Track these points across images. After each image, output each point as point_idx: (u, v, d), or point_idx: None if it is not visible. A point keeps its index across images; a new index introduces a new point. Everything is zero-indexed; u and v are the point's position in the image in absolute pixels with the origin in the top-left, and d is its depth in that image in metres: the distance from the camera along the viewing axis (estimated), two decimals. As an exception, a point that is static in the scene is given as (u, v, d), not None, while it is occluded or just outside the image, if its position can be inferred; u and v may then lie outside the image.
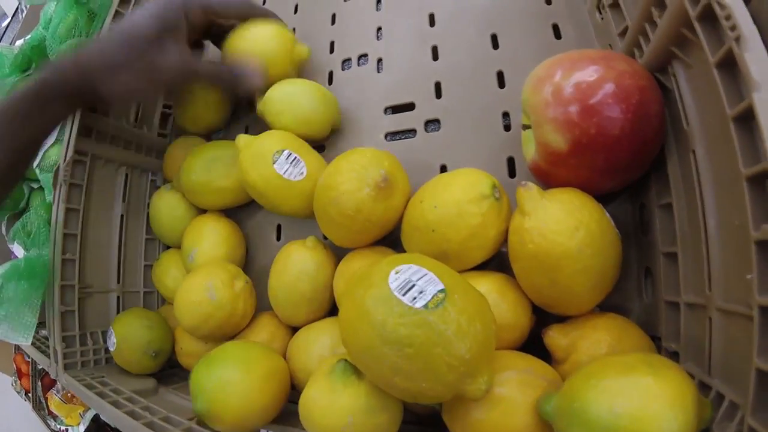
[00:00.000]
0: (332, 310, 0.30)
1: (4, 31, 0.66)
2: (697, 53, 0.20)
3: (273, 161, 0.28)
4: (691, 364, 0.21)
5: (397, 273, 0.20)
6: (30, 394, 0.61)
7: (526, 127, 0.25)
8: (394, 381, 0.20)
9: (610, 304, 0.26)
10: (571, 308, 0.24)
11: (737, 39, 0.17)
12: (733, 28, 0.17)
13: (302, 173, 0.28)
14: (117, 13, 0.38)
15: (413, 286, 0.20)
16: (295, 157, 0.28)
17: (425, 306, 0.19)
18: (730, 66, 0.18)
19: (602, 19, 0.30)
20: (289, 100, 0.31)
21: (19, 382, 0.64)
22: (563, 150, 0.22)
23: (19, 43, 0.42)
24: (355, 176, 0.25)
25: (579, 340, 0.23)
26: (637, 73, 0.22)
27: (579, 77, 0.22)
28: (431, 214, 0.24)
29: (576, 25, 0.31)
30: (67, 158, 0.34)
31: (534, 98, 0.23)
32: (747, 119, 0.17)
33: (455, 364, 0.19)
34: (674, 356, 0.22)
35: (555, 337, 0.24)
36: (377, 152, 0.26)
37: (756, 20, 0.17)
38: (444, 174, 0.26)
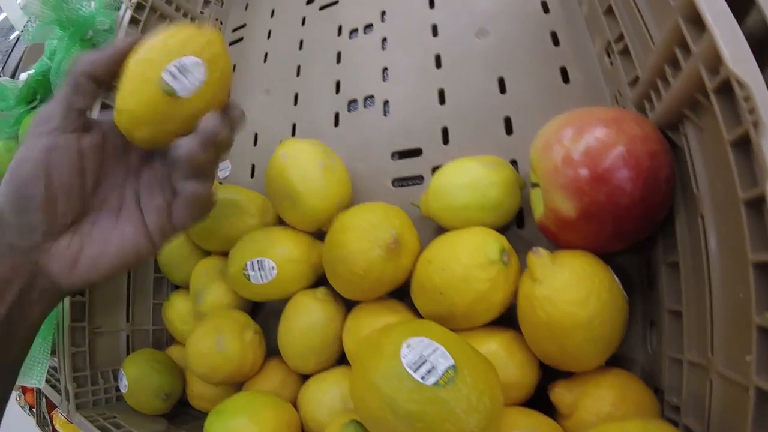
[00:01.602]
0: (342, 359, 0.30)
1: (14, 46, 0.66)
2: (711, 121, 0.20)
3: (247, 278, 0.29)
4: (692, 420, 0.21)
5: (408, 347, 0.20)
6: (34, 410, 0.61)
7: (534, 185, 0.25)
8: (404, 451, 0.20)
9: (615, 354, 0.26)
10: (578, 367, 0.24)
11: (755, 124, 0.16)
12: (752, 111, 0.17)
13: (272, 269, 0.29)
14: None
15: (424, 361, 0.20)
16: (259, 262, 0.30)
17: (436, 383, 0.19)
18: (746, 145, 0.18)
19: (611, 64, 0.30)
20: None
21: (23, 396, 0.65)
22: (572, 217, 0.22)
23: (23, 76, 0.42)
24: (365, 236, 0.25)
25: (583, 398, 0.24)
26: (648, 137, 0.22)
27: (589, 142, 0.22)
28: (438, 277, 0.24)
29: (584, 69, 0.31)
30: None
31: (543, 162, 0.23)
32: (759, 205, 0.17)
33: (464, 438, 0.19)
34: (676, 410, 0.22)
35: (561, 394, 0.24)
36: (387, 209, 0.26)
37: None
38: (452, 232, 0.26)
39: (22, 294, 0.21)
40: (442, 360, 0.20)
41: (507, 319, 0.26)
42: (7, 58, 0.66)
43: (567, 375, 0.25)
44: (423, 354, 0.20)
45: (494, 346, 0.25)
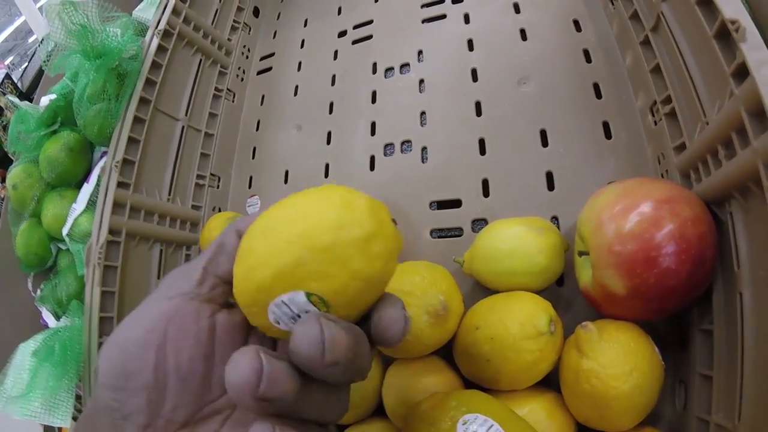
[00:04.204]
0: (378, 410, 0.32)
1: (35, 51, 0.65)
2: (759, 206, 0.22)
3: None
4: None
5: (464, 424, 0.22)
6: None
7: (582, 253, 0.27)
8: None
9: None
10: (614, 429, 0.26)
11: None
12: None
13: None
14: (148, 81, 0.38)
15: (481, 440, 0.22)
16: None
17: (492, 461, 0.21)
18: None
19: (656, 123, 0.31)
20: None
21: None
22: (621, 294, 0.24)
23: (44, 100, 0.43)
24: (413, 302, 0.26)
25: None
26: (698, 218, 0.24)
27: (644, 225, 0.23)
28: (487, 345, 0.26)
29: (626, 125, 0.33)
30: (101, 240, 0.35)
31: (596, 239, 0.25)
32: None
33: None
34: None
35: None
36: (434, 272, 0.28)
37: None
38: (499, 298, 0.27)
39: None
40: (497, 438, 0.22)
41: (545, 378, 0.28)
42: (28, 63, 0.66)
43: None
44: (478, 431, 0.22)
45: (536, 407, 0.27)
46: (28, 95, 0.63)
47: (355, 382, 0.16)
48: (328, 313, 0.15)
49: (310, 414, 0.15)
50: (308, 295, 0.15)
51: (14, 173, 0.43)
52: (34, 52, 0.66)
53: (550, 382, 0.28)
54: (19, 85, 0.64)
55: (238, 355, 0.14)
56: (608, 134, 0.33)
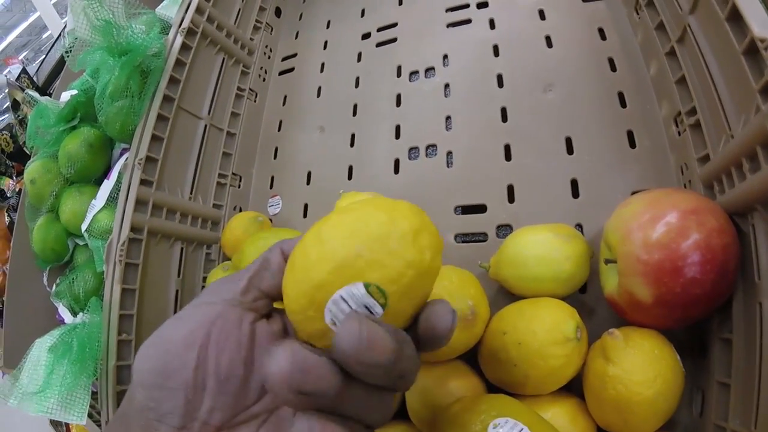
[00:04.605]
0: (399, 413, 0.33)
1: (51, 47, 0.66)
2: None
3: None
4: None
5: (495, 427, 0.23)
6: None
7: (608, 261, 0.28)
8: None
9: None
10: (635, 434, 0.27)
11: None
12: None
13: None
14: (171, 79, 0.38)
15: (511, 443, 0.22)
16: None
17: (523, 463, 0.22)
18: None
19: (679, 134, 0.32)
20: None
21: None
22: (648, 302, 0.25)
23: (64, 95, 0.43)
24: (441, 306, 0.27)
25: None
26: (723, 229, 0.25)
27: (671, 235, 0.24)
28: (514, 350, 0.27)
29: (650, 134, 0.33)
30: (122, 237, 0.36)
31: (624, 247, 0.26)
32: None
33: None
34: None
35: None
36: (462, 277, 0.29)
37: None
38: (526, 304, 0.28)
39: None
40: (528, 441, 0.22)
41: (566, 383, 0.29)
42: (44, 58, 0.66)
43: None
44: (510, 435, 0.22)
45: (558, 411, 0.28)
46: (44, 90, 0.64)
47: (399, 390, 0.17)
48: (383, 311, 0.16)
49: (351, 414, 0.16)
50: (367, 285, 0.15)
51: (32, 168, 0.44)
52: (50, 48, 0.67)
53: (570, 387, 0.29)
54: (35, 79, 0.65)
55: (277, 347, 0.15)
56: (632, 143, 0.33)
